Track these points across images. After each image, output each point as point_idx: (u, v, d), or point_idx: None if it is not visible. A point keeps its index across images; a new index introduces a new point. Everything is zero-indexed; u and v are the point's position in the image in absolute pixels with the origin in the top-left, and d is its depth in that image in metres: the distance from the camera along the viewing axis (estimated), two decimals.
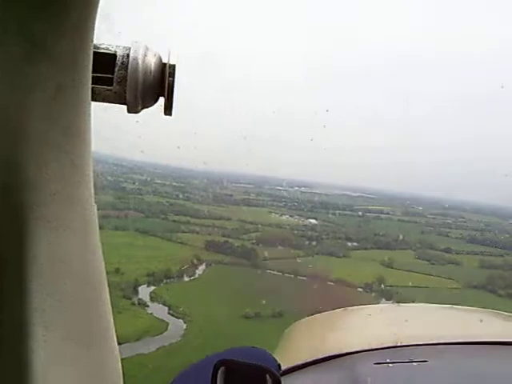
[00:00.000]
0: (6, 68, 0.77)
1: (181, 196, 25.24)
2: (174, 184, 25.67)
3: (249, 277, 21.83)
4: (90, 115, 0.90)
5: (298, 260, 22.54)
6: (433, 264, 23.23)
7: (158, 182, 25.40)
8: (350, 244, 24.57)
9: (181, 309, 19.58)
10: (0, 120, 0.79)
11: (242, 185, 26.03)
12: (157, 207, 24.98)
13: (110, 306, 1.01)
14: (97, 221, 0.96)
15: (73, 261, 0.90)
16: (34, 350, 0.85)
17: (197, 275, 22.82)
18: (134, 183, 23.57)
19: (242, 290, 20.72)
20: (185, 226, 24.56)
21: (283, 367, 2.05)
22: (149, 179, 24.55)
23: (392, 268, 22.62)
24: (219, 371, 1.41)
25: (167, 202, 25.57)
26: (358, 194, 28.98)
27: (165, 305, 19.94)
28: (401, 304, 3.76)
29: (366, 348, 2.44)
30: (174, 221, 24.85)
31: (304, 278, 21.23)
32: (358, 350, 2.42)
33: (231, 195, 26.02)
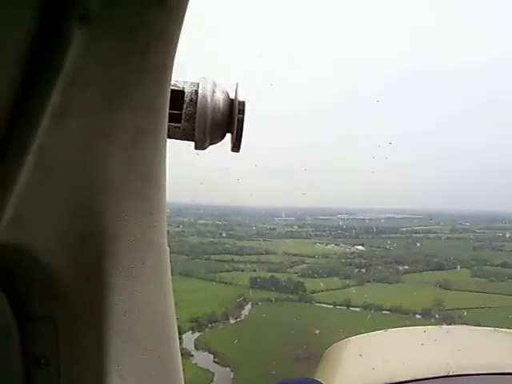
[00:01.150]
0: (86, 114, 0.76)
1: (224, 234, 25.23)
2: (218, 222, 25.74)
3: (298, 313, 20.84)
4: (165, 158, 0.89)
5: (349, 290, 21.95)
6: (491, 281, 21.98)
7: (202, 222, 25.50)
8: (401, 268, 23.65)
9: (227, 356, 18.49)
10: (80, 167, 0.78)
11: (284, 218, 25.91)
12: (200, 248, 25.04)
13: (178, 349, 1.01)
14: (169, 265, 0.95)
15: (149, 307, 0.91)
16: None
17: (243, 316, 21.98)
18: (178, 226, 23.76)
19: (292, 328, 19.74)
20: (229, 264, 24.24)
21: None
22: (192, 220, 24.67)
23: (449, 289, 21.47)
24: None
25: (210, 241, 25.59)
26: (401, 216, 28.36)
27: (210, 352, 18.94)
28: (443, 327, 3.58)
29: (418, 377, 2.36)
30: (218, 260, 24.61)
31: (357, 309, 20.34)
32: (409, 379, 2.35)
33: (274, 229, 25.87)
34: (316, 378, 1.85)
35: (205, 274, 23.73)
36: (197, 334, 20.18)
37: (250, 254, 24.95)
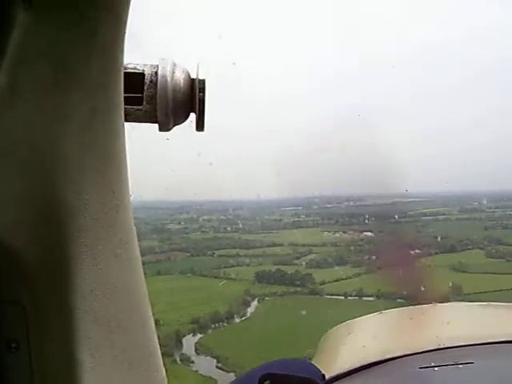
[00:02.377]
0: (36, 94, 0.76)
1: (229, 228, 24.55)
2: (222, 217, 25.07)
3: (307, 307, 19.97)
4: (124, 137, 0.90)
5: (360, 278, 21.20)
6: (508, 261, 21.28)
7: (205, 217, 24.84)
8: (412, 252, 23.12)
9: (231, 359, 17.22)
10: (34, 149, 0.78)
11: (290, 208, 25.34)
12: (203, 244, 24.33)
13: (154, 329, 0.99)
14: (137, 244, 0.96)
15: (117, 285, 0.90)
16: (81, 378, 0.86)
17: (248, 314, 21.15)
18: (179, 223, 23.10)
19: (301, 324, 18.15)
20: (233, 259, 23.57)
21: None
22: (195, 216, 24.02)
23: (465, 272, 20.76)
24: None
25: (214, 236, 24.87)
26: (409, 200, 27.77)
27: (213, 356, 17.78)
28: (438, 304, 3.47)
29: (408, 352, 2.38)
30: (222, 255, 23.93)
31: (370, 299, 19.45)
32: (400, 354, 2.36)
33: (280, 220, 25.27)
34: (315, 363, 1.87)
35: (208, 270, 23.03)
36: (198, 337, 19.11)
37: (255, 248, 24.28)
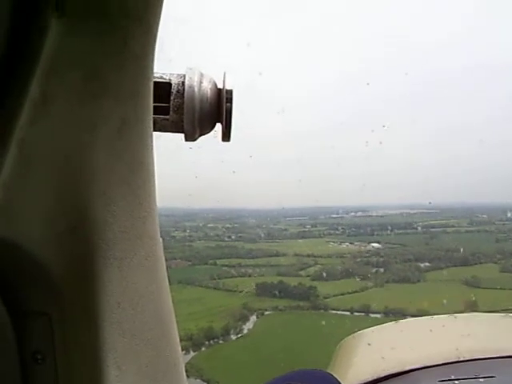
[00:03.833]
0: (68, 103, 0.77)
1: (233, 237, 23.94)
2: (228, 225, 24.47)
3: (309, 323, 19.08)
4: (152, 148, 0.90)
5: (367, 293, 20.36)
6: None
7: (211, 225, 24.27)
8: (422, 265, 22.26)
9: None
10: (64, 158, 0.78)
11: (296, 218, 24.81)
12: (206, 252, 23.62)
13: (178, 341, 1.00)
14: (163, 255, 0.96)
15: (144, 298, 0.91)
16: None
17: (245, 330, 19.96)
18: (184, 231, 22.49)
19: (302, 343, 17.47)
20: (235, 269, 22.79)
21: None
22: (201, 225, 23.43)
23: (478, 288, 19.75)
24: None
25: (217, 244, 24.18)
26: (416, 211, 27.29)
27: (203, 380, 16.41)
28: (458, 315, 3.19)
29: (428, 364, 2.33)
30: (224, 265, 23.22)
31: (377, 316, 18.47)
32: (420, 366, 2.33)
33: (286, 229, 24.68)
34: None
35: (207, 281, 22.26)
36: (190, 356, 17.77)
37: (258, 257, 23.63)
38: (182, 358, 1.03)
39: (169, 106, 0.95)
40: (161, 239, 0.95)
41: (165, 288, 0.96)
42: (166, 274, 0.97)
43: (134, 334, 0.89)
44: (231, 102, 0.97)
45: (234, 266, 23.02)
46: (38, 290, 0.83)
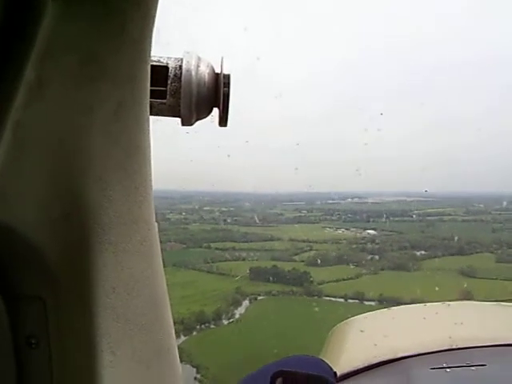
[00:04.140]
0: (64, 86, 0.76)
1: (228, 220, 23.73)
2: (223, 209, 24.23)
3: (303, 309, 18.83)
4: (149, 132, 0.89)
5: (362, 280, 20.15)
6: None
7: (207, 208, 24.03)
8: (417, 253, 22.17)
9: (213, 370, 15.55)
10: (61, 142, 0.78)
11: (292, 203, 24.62)
12: (201, 235, 23.41)
13: (172, 325, 1.00)
14: (158, 240, 0.95)
15: (139, 282, 0.91)
16: (101, 375, 0.85)
17: (237, 315, 19.77)
18: (180, 213, 22.25)
19: (295, 329, 17.21)
20: (229, 253, 22.60)
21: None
22: (197, 207, 23.19)
23: (474, 278, 19.61)
24: (277, 382, 1.41)
25: (212, 227, 23.97)
26: (413, 199, 27.16)
27: (192, 365, 15.79)
28: (451, 303, 3.31)
29: (421, 352, 2.35)
30: (218, 248, 23.02)
31: (372, 303, 18.28)
32: (412, 353, 2.33)
33: (281, 214, 24.50)
34: (324, 359, 1.89)
35: (201, 264, 22.08)
36: (181, 340, 17.19)
37: (253, 241, 23.45)
38: (175, 343, 1.02)
39: (166, 90, 0.95)
40: (156, 224, 0.94)
41: (160, 273, 0.96)
42: (161, 259, 0.96)
43: (128, 319, 0.88)
44: (229, 87, 0.96)
45: (228, 250, 22.83)
46: (32, 272, 0.84)
